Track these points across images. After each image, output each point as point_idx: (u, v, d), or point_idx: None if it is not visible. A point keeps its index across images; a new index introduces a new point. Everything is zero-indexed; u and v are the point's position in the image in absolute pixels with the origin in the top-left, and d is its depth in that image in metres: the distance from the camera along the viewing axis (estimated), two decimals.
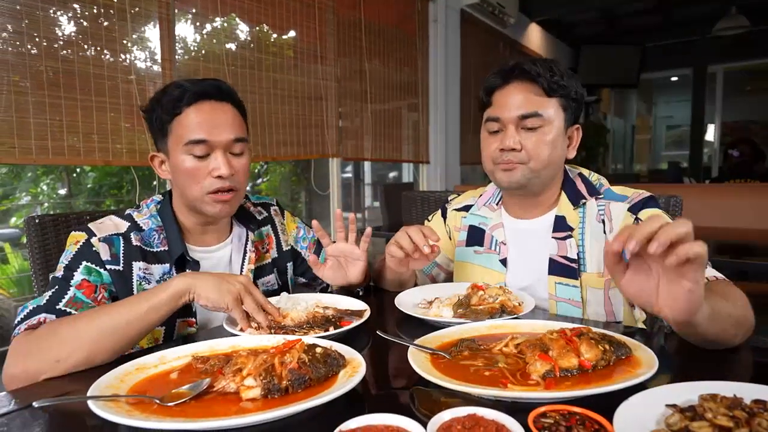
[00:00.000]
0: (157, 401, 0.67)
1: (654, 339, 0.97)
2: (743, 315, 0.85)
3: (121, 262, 1.08)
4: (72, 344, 0.87)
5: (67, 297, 0.99)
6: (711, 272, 0.99)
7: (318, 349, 0.75)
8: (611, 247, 0.72)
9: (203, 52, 2.74)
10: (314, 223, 1.30)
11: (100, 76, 2.20)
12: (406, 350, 0.79)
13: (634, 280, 0.76)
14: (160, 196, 1.22)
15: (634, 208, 1.15)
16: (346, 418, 0.57)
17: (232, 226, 1.28)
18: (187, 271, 1.13)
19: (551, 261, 1.20)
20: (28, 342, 0.90)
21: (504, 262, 1.27)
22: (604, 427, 0.55)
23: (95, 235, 1.07)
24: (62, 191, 3.97)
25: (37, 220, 1.27)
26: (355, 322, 0.99)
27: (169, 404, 0.66)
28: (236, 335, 0.94)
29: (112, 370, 0.75)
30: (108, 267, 1.06)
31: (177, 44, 2.56)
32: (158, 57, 2.46)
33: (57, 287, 1.00)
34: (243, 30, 2.94)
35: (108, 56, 2.26)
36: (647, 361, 0.72)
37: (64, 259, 1.05)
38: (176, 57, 2.54)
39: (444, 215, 1.48)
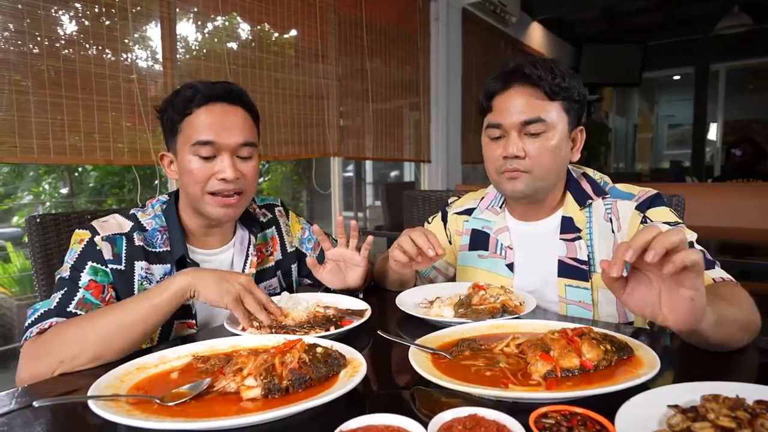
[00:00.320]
0: (158, 401, 0.67)
1: (656, 339, 0.96)
2: (749, 318, 0.85)
3: (123, 261, 1.08)
4: (78, 346, 0.88)
5: (76, 299, 0.99)
6: (718, 273, 0.98)
7: (319, 349, 0.75)
8: (610, 272, 0.71)
9: (204, 51, 2.74)
10: (314, 228, 1.30)
11: (101, 76, 2.20)
12: (407, 350, 0.79)
13: (635, 293, 0.75)
14: (166, 196, 1.22)
15: (642, 206, 1.13)
16: (347, 418, 0.57)
17: (236, 229, 1.28)
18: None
19: (560, 263, 1.18)
20: (37, 346, 0.91)
21: (510, 266, 1.25)
22: (606, 427, 0.55)
23: (98, 234, 1.07)
24: (64, 190, 3.98)
25: (38, 220, 1.27)
26: (356, 322, 0.99)
27: (170, 404, 0.66)
28: (237, 335, 0.94)
29: (112, 370, 0.75)
30: (110, 266, 1.06)
31: (178, 43, 2.56)
32: (159, 56, 2.46)
33: (66, 289, 1.00)
34: (244, 29, 2.94)
35: (109, 55, 2.26)
36: (649, 361, 0.71)
37: (70, 259, 1.05)
38: (177, 56, 2.54)
39: (444, 219, 1.46)
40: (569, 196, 1.21)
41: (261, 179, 5.08)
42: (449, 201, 1.50)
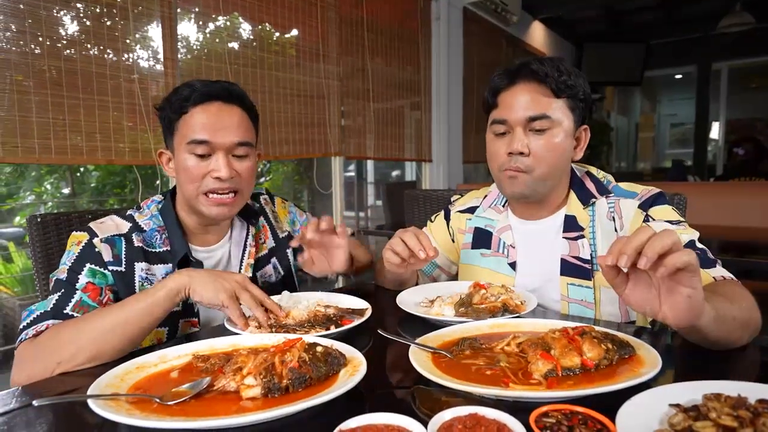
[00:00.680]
0: (158, 400, 0.67)
1: (657, 338, 0.96)
2: (749, 317, 0.85)
3: (123, 263, 1.07)
4: (74, 346, 0.87)
5: (73, 301, 0.99)
6: (719, 272, 0.98)
7: (319, 348, 0.75)
8: (604, 261, 0.72)
9: (206, 50, 2.74)
10: (300, 235, 1.19)
11: (102, 76, 2.20)
12: (408, 349, 0.79)
13: (636, 291, 0.76)
14: (161, 196, 1.22)
15: (644, 205, 1.13)
16: (347, 418, 0.57)
17: (233, 222, 1.28)
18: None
19: (563, 261, 1.18)
20: (33, 348, 0.91)
21: (513, 265, 1.25)
22: (607, 426, 0.55)
23: (97, 236, 1.07)
24: (66, 190, 3.99)
25: (39, 219, 1.27)
26: (356, 321, 0.99)
27: (169, 403, 0.66)
28: (237, 334, 0.93)
29: (112, 369, 0.75)
30: (110, 268, 1.06)
31: (179, 43, 2.56)
32: (161, 56, 2.46)
33: (63, 291, 1.00)
34: (245, 29, 2.94)
35: (111, 55, 2.26)
36: (650, 360, 0.71)
37: (67, 261, 1.04)
38: (179, 56, 2.55)
39: (447, 217, 1.46)
40: (573, 195, 1.21)
41: (262, 179, 5.08)
42: (452, 199, 1.50)
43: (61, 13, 2.11)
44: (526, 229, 1.27)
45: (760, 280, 2.58)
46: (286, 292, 1.12)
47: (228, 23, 2.84)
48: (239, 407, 0.66)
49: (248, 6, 2.86)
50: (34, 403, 0.65)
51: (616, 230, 1.15)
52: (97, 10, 2.20)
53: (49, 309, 0.97)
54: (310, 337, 0.84)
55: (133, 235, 1.11)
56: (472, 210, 1.40)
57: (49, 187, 3.96)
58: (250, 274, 1.23)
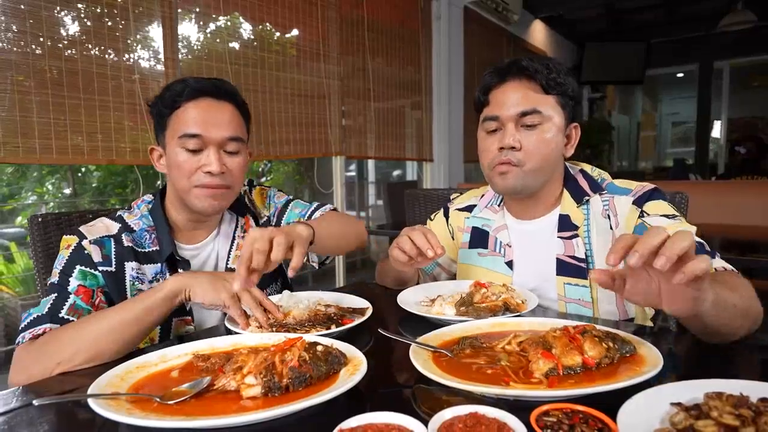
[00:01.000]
0: (158, 399, 0.67)
1: (659, 337, 0.96)
2: (749, 305, 0.85)
3: (113, 263, 1.08)
4: (73, 347, 0.88)
5: (67, 305, 1.00)
6: (719, 263, 0.98)
7: (319, 347, 0.75)
8: (608, 261, 0.69)
9: (206, 50, 2.74)
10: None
11: (103, 76, 2.21)
12: (408, 348, 0.79)
13: (637, 288, 0.75)
14: (151, 195, 1.22)
15: (639, 201, 1.13)
16: (347, 417, 0.57)
17: (222, 216, 1.28)
18: (179, 270, 1.13)
19: (559, 261, 1.18)
20: (31, 351, 0.92)
21: (510, 264, 1.25)
22: (608, 425, 0.55)
23: (86, 238, 1.07)
24: (67, 191, 3.99)
25: (39, 219, 1.27)
26: (357, 320, 0.99)
27: (170, 402, 0.66)
28: (238, 333, 0.94)
29: (112, 369, 0.75)
30: (100, 268, 1.06)
31: (180, 43, 2.56)
32: (161, 56, 2.47)
33: (56, 295, 1.01)
34: (246, 29, 2.94)
35: (111, 55, 2.26)
36: (652, 358, 0.71)
37: (58, 264, 1.05)
38: (179, 56, 2.55)
39: (446, 215, 1.46)
40: (566, 194, 1.21)
41: (263, 179, 5.08)
42: (451, 197, 1.51)
43: (62, 13, 2.11)
44: (521, 229, 1.27)
45: (761, 279, 2.58)
46: (286, 292, 1.12)
47: (228, 23, 2.84)
48: (239, 406, 0.66)
49: (249, 6, 2.86)
50: (35, 402, 0.65)
51: (611, 228, 1.15)
52: (98, 11, 2.20)
53: (44, 312, 0.98)
54: (310, 337, 0.84)
55: (123, 235, 1.11)
56: (470, 209, 1.40)
57: (50, 187, 3.97)
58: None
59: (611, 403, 0.57)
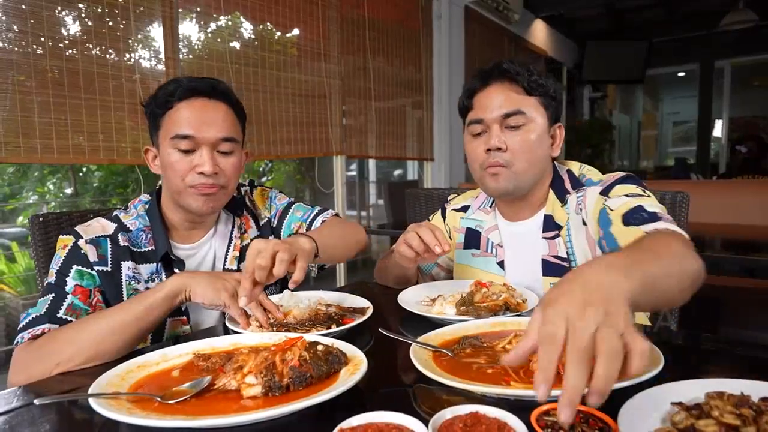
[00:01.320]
0: (158, 399, 0.67)
1: (660, 336, 0.95)
2: (683, 268, 0.74)
3: (109, 262, 1.08)
4: (73, 348, 0.88)
5: (65, 305, 1.00)
6: (652, 227, 0.94)
7: (319, 347, 0.75)
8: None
9: (207, 50, 2.74)
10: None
11: (104, 75, 2.21)
12: (409, 348, 0.79)
13: None
14: (148, 195, 1.22)
15: (606, 191, 1.12)
16: (348, 416, 0.57)
17: (219, 216, 1.27)
18: (175, 270, 1.13)
19: (544, 262, 1.19)
20: (30, 351, 0.92)
21: (501, 264, 1.27)
22: (609, 425, 0.54)
23: (82, 238, 1.07)
24: (68, 190, 4.00)
25: (41, 219, 1.28)
26: (358, 320, 0.99)
27: (170, 402, 0.66)
28: (238, 333, 0.94)
29: (113, 368, 0.75)
30: (96, 268, 1.06)
31: (181, 43, 2.56)
32: (162, 56, 2.47)
33: (53, 295, 1.01)
34: (246, 28, 2.94)
35: (112, 55, 2.26)
36: (653, 358, 0.71)
37: (55, 265, 1.05)
38: (180, 56, 2.55)
39: (444, 215, 1.47)
40: (551, 194, 1.22)
41: (264, 178, 5.08)
42: (449, 197, 1.52)
43: (63, 13, 2.11)
44: (511, 230, 1.28)
45: (763, 278, 2.57)
46: (287, 291, 1.12)
47: (229, 23, 2.84)
48: (240, 406, 0.66)
49: (249, 6, 2.86)
50: (36, 402, 0.65)
51: (584, 223, 1.15)
52: (99, 11, 2.20)
53: (42, 313, 0.98)
54: (311, 336, 0.84)
55: (119, 235, 1.11)
56: (465, 209, 1.42)
57: (51, 187, 3.97)
58: (236, 267, 1.23)
59: (612, 402, 0.57)
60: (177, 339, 1.08)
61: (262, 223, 1.34)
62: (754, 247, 2.27)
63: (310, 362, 0.71)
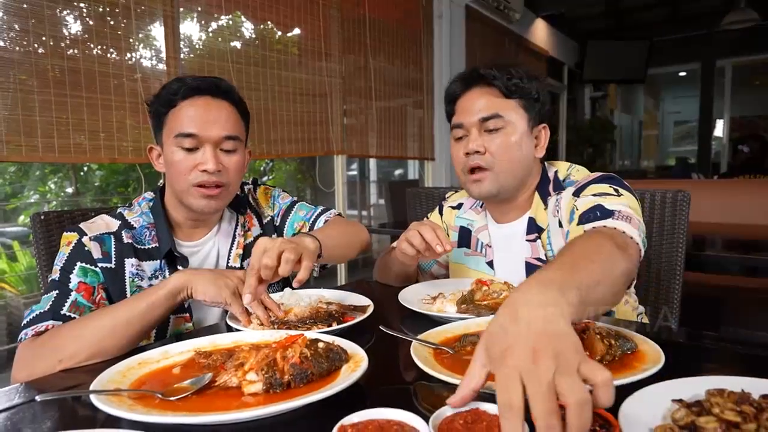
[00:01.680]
0: (160, 395, 0.67)
1: (660, 334, 0.95)
2: (615, 274, 0.74)
3: (113, 259, 1.08)
4: (75, 345, 0.89)
5: (69, 302, 1.00)
6: (602, 223, 0.93)
7: (320, 344, 0.75)
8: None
9: (208, 49, 2.74)
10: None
11: (105, 75, 2.21)
12: (409, 345, 0.79)
13: None
14: (152, 193, 1.22)
15: (578, 191, 1.12)
16: (348, 413, 0.57)
17: (222, 215, 1.28)
18: (178, 267, 1.14)
19: (527, 264, 1.20)
20: (33, 348, 0.93)
21: (491, 264, 1.28)
22: (609, 422, 0.54)
23: (86, 234, 1.08)
24: (69, 189, 4.00)
25: (42, 218, 1.28)
26: (358, 318, 0.99)
27: (171, 399, 0.66)
28: (239, 330, 0.94)
29: (114, 365, 0.75)
30: (100, 265, 1.06)
31: (182, 42, 2.56)
32: (163, 55, 2.47)
33: (57, 292, 1.01)
34: (248, 28, 2.94)
35: (113, 54, 2.26)
36: (653, 355, 0.71)
37: (59, 261, 1.06)
38: (181, 55, 2.55)
39: (441, 211, 1.48)
40: (536, 197, 1.23)
41: (265, 178, 5.09)
42: (446, 195, 1.53)
43: (65, 12, 2.12)
44: (499, 233, 1.29)
45: (764, 278, 2.57)
46: (288, 289, 1.12)
47: (230, 22, 2.84)
48: (241, 403, 0.66)
49: (250, 5, 2.86)
50: (37, 398, 0.65)
51: (560, 225, 1.15)
52: (100, 10, 2.20)
53: (46, 309, 0.98)
54: (312, 334, 0.84)
55: (123, 232, 1.12)
56: (459, 206, 1.43)
57: (53, 186, 3.98)
58: (239, 265, 1.23)
59: None
60: (179, 336, 1.08)
61: (265, 221, 1.34)
62: (755, 247, 2.26)
63: (311, 359, 0.71)
